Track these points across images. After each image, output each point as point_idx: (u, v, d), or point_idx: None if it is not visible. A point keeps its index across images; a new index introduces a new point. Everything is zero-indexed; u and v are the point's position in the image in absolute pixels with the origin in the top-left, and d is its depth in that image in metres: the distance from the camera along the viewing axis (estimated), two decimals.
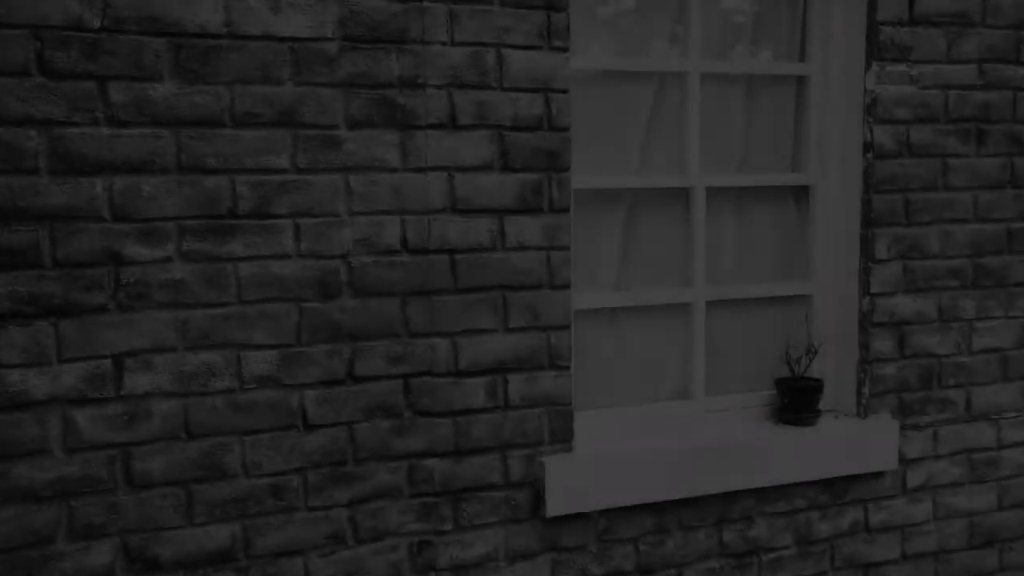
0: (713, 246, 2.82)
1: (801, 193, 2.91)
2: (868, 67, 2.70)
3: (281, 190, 2.19)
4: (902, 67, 2.71)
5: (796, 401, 2.74)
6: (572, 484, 2.45)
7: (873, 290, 2.74)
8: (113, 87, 2.02)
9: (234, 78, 2.12)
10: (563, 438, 2.48)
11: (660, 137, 2.74)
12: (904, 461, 2.82)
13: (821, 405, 2.84)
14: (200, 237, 2.13)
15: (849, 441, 2.71)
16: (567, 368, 2.48)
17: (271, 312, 2.19)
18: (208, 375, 2.15)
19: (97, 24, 2.00)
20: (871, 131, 2.71)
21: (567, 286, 2.47)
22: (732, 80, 2.81)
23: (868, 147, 2.72)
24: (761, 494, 2.66)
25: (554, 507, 2.43)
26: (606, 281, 2.73)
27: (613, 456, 2.49)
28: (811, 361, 2.83)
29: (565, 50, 2.38)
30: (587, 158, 2.66)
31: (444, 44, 2.28)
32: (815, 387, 2.75)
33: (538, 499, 2.45)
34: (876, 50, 2.68)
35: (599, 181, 2.66)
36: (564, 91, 2.41)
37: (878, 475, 2.79)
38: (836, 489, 2.75)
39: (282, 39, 2.14)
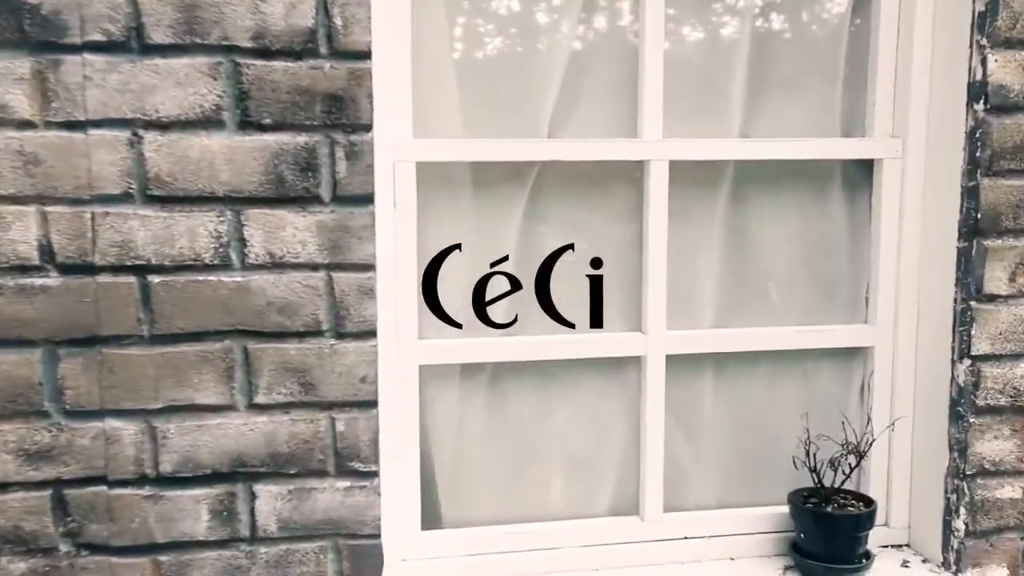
0: (684, 264, 1.66)
1: (857, 174, 1.75)
2: None
3: None
4: None
5: (824, 534, 1.68)
6: None
7: (978, 349, 1.64)
8: None
9: None
10: None
11: (594, 80, 1.61)
12: None
13: (871, 543, 1.67)
14: None
15: None
16: (371, 474, 1.44)
17: None
18: None
19: None
20: (984, 63, 1.57)
21: (370, 332, 1.41)
22: None
23: (979, 92, 1.59)
24: None
25: None
26: (480, 318, 1.63)
27: None
28: (856, 465, 1.66)
29: None
30: (443, 110, 1.56)
31: None
32: (860, 514, 1.66)
33: None
34: None
35: (463, 150, 1.55)
36: None
37: None
38: None
39: None
